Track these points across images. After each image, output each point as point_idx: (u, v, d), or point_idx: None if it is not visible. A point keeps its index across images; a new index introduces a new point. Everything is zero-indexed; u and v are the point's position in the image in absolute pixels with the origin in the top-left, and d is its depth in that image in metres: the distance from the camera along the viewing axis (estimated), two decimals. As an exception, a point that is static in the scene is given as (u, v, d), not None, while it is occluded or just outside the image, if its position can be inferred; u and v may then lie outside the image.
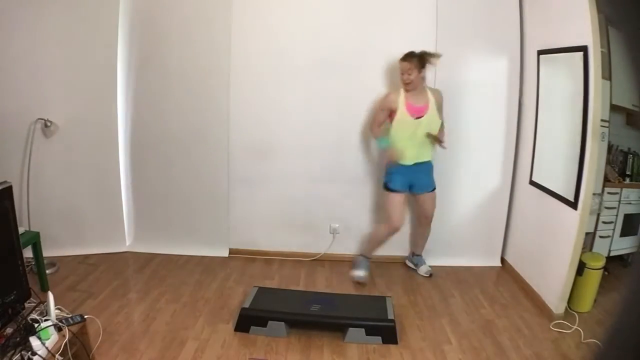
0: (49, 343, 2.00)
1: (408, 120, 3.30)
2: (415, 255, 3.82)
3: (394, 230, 3.47)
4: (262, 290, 3.09)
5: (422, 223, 3.69)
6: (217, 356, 2.60)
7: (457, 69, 3.68)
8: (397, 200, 3.44)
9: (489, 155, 3.80)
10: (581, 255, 3.01)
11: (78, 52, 3.50)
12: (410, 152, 3.34)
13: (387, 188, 3.44)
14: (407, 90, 3.29)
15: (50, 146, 3.55)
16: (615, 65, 3.26)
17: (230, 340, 2.75)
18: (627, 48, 0.40)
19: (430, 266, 3.74)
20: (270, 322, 2.78)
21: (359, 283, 3.50)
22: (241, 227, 3.92)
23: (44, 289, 3.05)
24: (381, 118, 3.39)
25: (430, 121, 3.33)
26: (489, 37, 3.64)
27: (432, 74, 3.64)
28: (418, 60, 3.22)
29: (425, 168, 3.44)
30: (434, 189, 3.55)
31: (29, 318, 2.10)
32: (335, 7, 3.62)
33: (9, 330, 2.03)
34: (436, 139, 3.32)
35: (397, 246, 3.91)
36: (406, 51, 3.27)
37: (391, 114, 3.35)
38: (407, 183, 3.44)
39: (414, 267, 3.79)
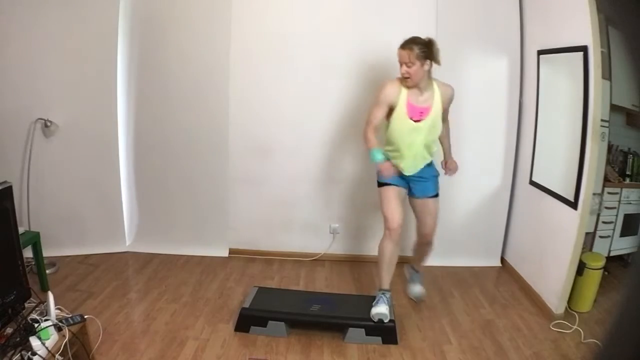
0: (49, 343, 2.00)
1: (405, 122, 2.69)
2: (413, 270, 3.32)
3: (393, 232, 2.78)
4: (262, 290, 3.09)
5: (421, 242, 3.08)
6: (217, 356, 2.60)
7: (457, 69, 3.67)
8: (391, 193, 2.82)
9: (489, 155, 3.80)
10: (581, 255, 3.02)
11: (78, 52, 3.50)
12: (407, 162, 2.79)
13: (380, 183, 2.89)
14: (407, 86, 2.67)
15: (50, 146, 3.55)
16: (615, 65, 3.27)
17: (230, 340, 2.75)
18: (627, 48, 0.40)
19: (423, 288, 3.26)
20: (270, 322, 2.79)
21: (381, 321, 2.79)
22: (241, 227, 3.92)
23: (44, 289, 3.05)
24: (380, 115, 2.71)
25: (431, 127, 2.72)
26: (489, 36, 3.64)
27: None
28: (421, 48, 2.57)
29: (424, 172, 2.88)
30: (436, 195, 2.95)
31: (29, 318, 2.10)
32: (335, 7, 3.62)
33: (9, 330, 2.03)
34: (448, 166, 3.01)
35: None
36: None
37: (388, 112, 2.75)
38: (403, 180, 2.88)
39: (408, 280, 3.36)
